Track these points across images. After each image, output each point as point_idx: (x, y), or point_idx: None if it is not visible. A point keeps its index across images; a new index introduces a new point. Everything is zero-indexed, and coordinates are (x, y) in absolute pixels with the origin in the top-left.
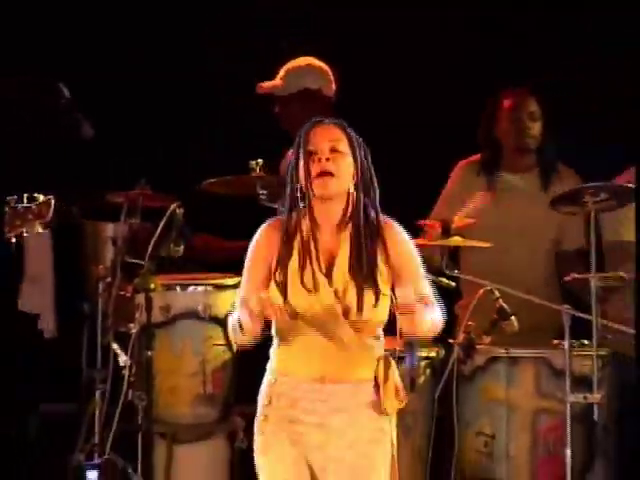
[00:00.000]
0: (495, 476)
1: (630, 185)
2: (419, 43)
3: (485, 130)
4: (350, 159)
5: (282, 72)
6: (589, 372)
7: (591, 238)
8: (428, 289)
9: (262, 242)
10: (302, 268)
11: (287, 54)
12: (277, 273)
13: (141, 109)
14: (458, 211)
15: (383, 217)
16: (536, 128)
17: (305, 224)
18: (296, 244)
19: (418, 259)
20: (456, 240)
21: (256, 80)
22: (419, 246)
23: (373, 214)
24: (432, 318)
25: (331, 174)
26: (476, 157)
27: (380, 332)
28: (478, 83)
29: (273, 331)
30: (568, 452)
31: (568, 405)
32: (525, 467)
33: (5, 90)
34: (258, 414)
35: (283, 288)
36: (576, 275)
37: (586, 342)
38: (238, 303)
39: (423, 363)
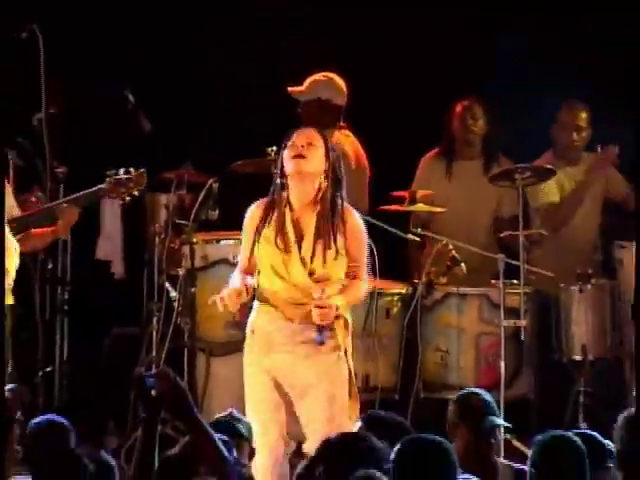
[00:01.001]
0: (448, 381)
1: (547, 166)
2: (416, 43)
3: (444, 128)
4: (322, 153)
5: (307, 82)
6: (518, 304)
7: (519, 205)
8: (364, 266)
9: (249, 218)
10: (277, 234)
11: (287, 54)
12: (264, 230)
13: (186, 104)
14: (427, 188)
15: (346, 205)
16: (478, 126)
17: (283, 202)
18: (274, 217)
19: (365, 240)
20: (420, 207)
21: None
22: (395, 211)
23: (339, 201)
24: (356, 293)
25: (303, 156)
26: (437, 150)
27: (336, 286)
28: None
29: (258, 277)
30: (502, 363)
31: (502, 328)
32: (470, 374)
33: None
34: (247, 340)
35: (275, 240)
36: (509, 232)
37: (515, 282)
38: (236, 269)
39: (396, 297)
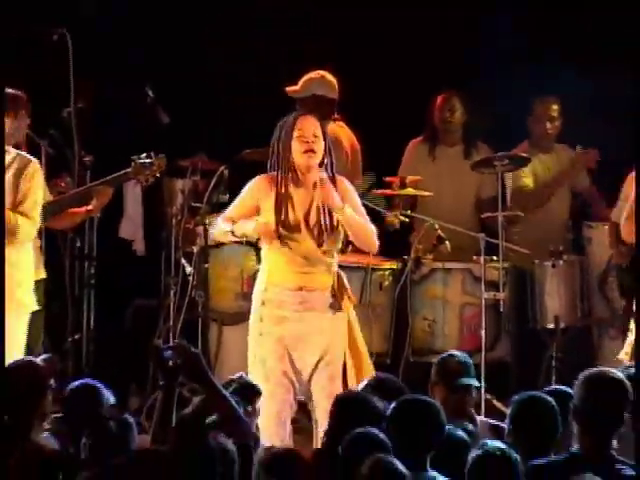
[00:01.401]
0: (435, 347)
1: (523, 154)
2: (405, 41)
3: (427, 118)
4: (322, 141)
5: (301, 81)
6: (497, 278)
7: (499, 189)
8: (366, 216)
9: (254, 186)
10: (285, 210)
11: (287, 54)
12: (275, 209)
13: (198, 99)
14: (413, 172)
15: (338, 177)
16: (455, 118)
17: (289, 182)
18: (282, 194)
19: (358, 199)
20: (409, 191)
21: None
22: (386, 195)
23: (331, 174)
24: (365, 228)
25: (314, 151)
26: (422, 137)
27: (336, 257)
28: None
29: (264, 253)
30: (483, 331)
31: (483, 300)
32: (454, 341)
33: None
34: (253, 312)
35: (284, 220)
36: (489, 214)
37: (495, 258)
38: (221, 216)
39: (388, 272)
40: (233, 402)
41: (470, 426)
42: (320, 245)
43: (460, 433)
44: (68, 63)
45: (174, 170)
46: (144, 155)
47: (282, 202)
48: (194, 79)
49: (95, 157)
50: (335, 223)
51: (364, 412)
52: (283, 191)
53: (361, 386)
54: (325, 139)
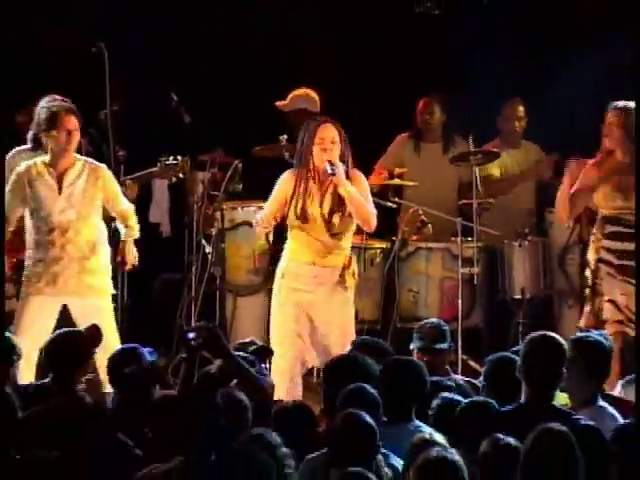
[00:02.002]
0: (418, 315)
1: (493, 149)
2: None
3: (413, 118)
4: (339, 145)
5: (289, 97)
6: (472, 255)
7: (473, 180)
8: (371, 203)
9: (282, 181)
10: (304, 203)
11: (288, 55)
12: (294, 202)
13: (216, 103)
14: (395, 162)
15: (352, 170)
16: (434, 119)
17: (309, 177)
18: (301, 187)
19: (367, 189)
20: (396, 181)
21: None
22: (374, 183)
23: (346, 169)
24: (366, 208)
25: (330, 156)
26: (408, 133)
27: (348, 241)
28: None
29: (288, 236)
30: (460, 301)
31: (460, 275)
32: (435, 310)
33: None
34: (275, 286)
35: (300, 212)
36: (465, 200)
37: (470, 239)
38: (261, 212)
39: (378, 251)
40: (248, 367)
41: (447, 381)
42: (330, 230)
43: (446, 382)
44: (104, 71)
45: (195, 164)
46: (171, 157)
47: (298, 195)
48: (213, 82)
49: (127, 153)
50: (344, 211)
51: (355, 372)
52: (302, 186)
53: (350, 348)
54: (342, 141)
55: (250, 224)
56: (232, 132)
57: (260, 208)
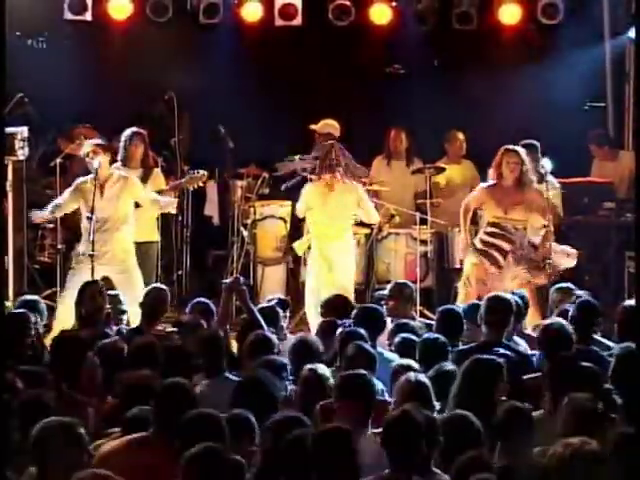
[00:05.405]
0: (389, 279)
1: (441, 165)
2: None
3: (386, 143)
4: (345, 160)
5: (320, 123)
6: (427, 238)
7: (427, 187)
8: (371, 204)
9: (308, 190)
10: (324, 201)
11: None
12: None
13: (252, 130)
14: (376, 175)
15: (352, 183)
16: (402, 144)
17: (326, 184)
18: (322, 190)
19: (364, 193)
20: (374, 187)
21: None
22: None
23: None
24: (373, 213)
25: (339, 172)
26: (382, 155)
27: (352, 222)
28: None
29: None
30: (418, 269)
31: (418, 252)
32: (401, 275)
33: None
34: (309, 258)
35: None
36: (420, 201)
37: (424, 227)
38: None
39: (363, 235)
40: (261, 320)
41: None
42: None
43: (412, 324)
44: (174, 111)
45: (235, 175)
46: (194, 171)
47: (313, 201)
48: (246, 119)
49: (190, 168)
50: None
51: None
52: (317, 193)
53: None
54: (346, 156)
55: (274, 216)
56: (261, 152)
57: (281, 207)
